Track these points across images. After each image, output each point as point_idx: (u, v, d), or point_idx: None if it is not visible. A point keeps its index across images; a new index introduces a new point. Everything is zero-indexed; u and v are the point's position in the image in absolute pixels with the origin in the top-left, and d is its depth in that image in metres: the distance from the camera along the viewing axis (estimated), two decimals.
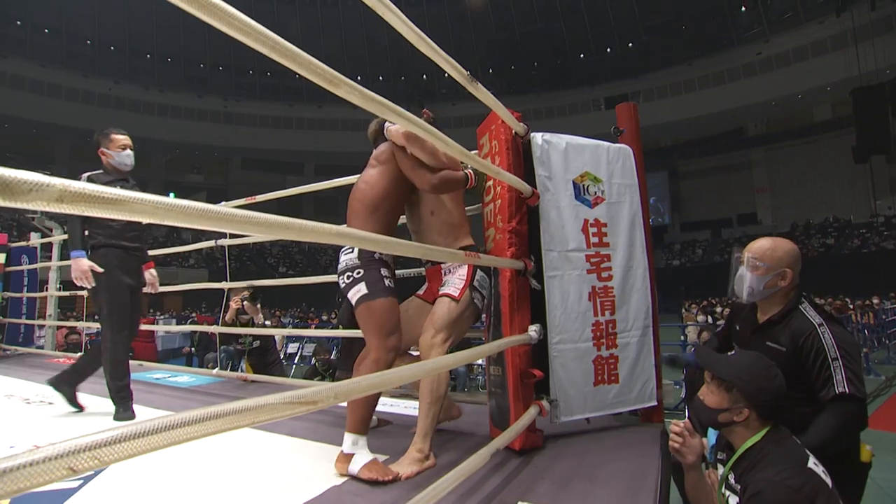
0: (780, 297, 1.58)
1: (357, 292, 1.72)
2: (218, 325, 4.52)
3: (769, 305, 1.60)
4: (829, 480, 1.21)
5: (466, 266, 1.83)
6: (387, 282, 1.73)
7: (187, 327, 9.64)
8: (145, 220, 0.67)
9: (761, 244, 1.60)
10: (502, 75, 31.34)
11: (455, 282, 1.83)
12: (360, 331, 1.79)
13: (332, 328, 9.43)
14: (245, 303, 4.46)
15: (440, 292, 1.85)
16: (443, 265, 1.95)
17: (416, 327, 1.88)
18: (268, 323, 5.42)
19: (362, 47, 31.27)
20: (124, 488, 1.55)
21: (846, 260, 21.80)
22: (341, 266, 1.77)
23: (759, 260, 1.57)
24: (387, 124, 1.89)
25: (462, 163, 1.87)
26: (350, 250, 1.77)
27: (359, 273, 1.73)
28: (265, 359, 4.82)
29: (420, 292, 2.05)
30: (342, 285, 1.78)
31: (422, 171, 1.76)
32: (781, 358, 1.48)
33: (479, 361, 5.73)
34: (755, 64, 26.62)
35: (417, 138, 1.73)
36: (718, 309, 12.71)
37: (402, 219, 2.13)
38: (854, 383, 1.43)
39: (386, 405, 2.56)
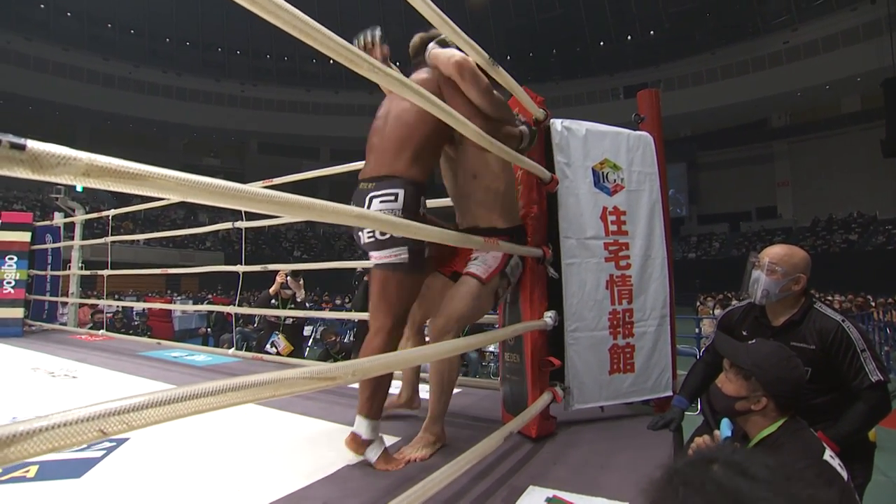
0: (792, 301, 1.66)
1: (393, 256, 1.47)
2: (234, 306, 4.62)
3: (781, 308, 1.67)
4: (844, 473, 1.19)
5: (513, 245, 1.64)
6: (426, 251, 1.51)
7: (204, 307, 9.82)
8: (169, 197, 0.68)
9: (778, 250, 1.68)
10: (521, 63, 30.88)
11: (488, 261, 1.65)
12: None
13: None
14: (288, 278, 4.89)
15: (467, 269, 1.66)
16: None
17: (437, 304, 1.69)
18: (308, 305, 5.81)
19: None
20: (145, 460, 1.60)
21: (869, 256, 21.26)
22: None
23: (777, 265, 1.64)
24: (430, 46, 1.60)
25: (517, 115, 1.73)
26: (391, 198, 1.43)
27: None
28: (298, 337, 5.12)
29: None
30: (366, 239, 1.49)
31: (476, 119, 1.45)
32: (810, 355, 1.55)
33: (492, 348, 5.74)
34: (781, 53, 25.85)
35: (474, 72, 1.47)
36: (734, 303, 12.51)
37: None
38: (884, 371, 1.51)
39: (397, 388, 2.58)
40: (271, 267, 3.88)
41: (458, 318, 1.58)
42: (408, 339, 1.80)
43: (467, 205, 1.74)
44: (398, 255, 1.46)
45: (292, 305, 5.02)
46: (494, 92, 1.59)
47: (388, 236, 1.44)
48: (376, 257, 1.50)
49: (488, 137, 1.37)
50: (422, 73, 1.62)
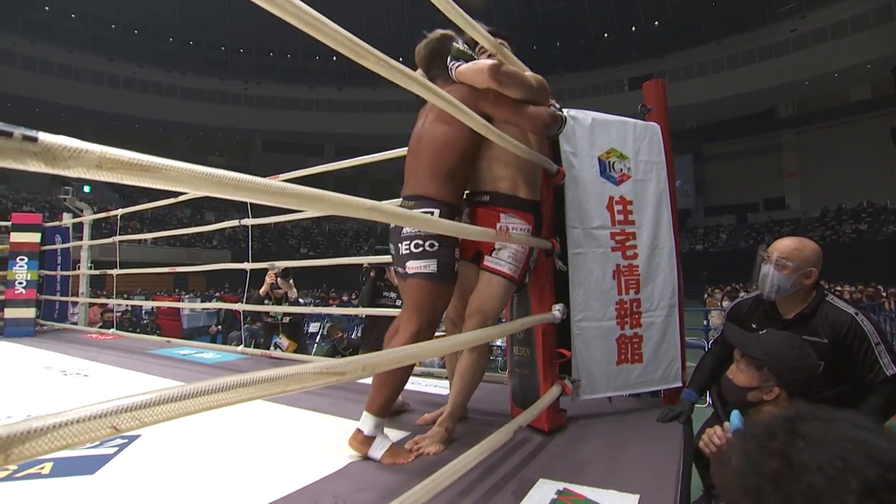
0: (803, 294, 1.63)
1: (423, 267, 1.56)
2: (242, 304, 4.65)
3: (793, 302, 1.64)
4: None
5: (527, 236, 1.64)
6: (455, 266, 1.60)
7: (212, 304, 9.88)
8: (181, 190, 0.67)
9: (788, 244, 1.64)
10: (524, 55, 30.13)
11: (515, 255, 1.64)
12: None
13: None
14: (278, 278, 4.77)
15: (491, 264, 1.65)
16: (502, 217, 1.66)
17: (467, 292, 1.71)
18: (301, 301, 5.69)
19: (381, 28, 30.96)
20: (156, 456, 1.61)
21: (880, 246, 21.00)
22: (409, 230, 1.56)
23: (787, 259, 1.60)
24: (453, 64, 1.61)
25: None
26: (430, 212, 1.55)
27: (432, 246, 1.55)
28: (299, 334, 5.08)
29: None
30: (403, 251, 1.58)
31: (528, 113, 1.53)
32: (823, 349, 1.53)
33: (499, 342, 5.74)
34: (789, 42, 25.49)
35: (506, 72, 1.50)
36: (743, 294, 12.42)
37: None
38: None
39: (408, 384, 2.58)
40: (278, 264, 3.89)
41: (494, 316, 1.64)
42: (456, 328, 1.82)
43: (491, 167, 1.69)
44: (428, 266, 1.56)
45: (287, 304, 5.00)
46: (530, 75, 1.60)
47: (420, 250, 1.56)
48: (411, 268, 1.59)
49: (514, 142, 1.42)
50: (452, 90, 1.60)
